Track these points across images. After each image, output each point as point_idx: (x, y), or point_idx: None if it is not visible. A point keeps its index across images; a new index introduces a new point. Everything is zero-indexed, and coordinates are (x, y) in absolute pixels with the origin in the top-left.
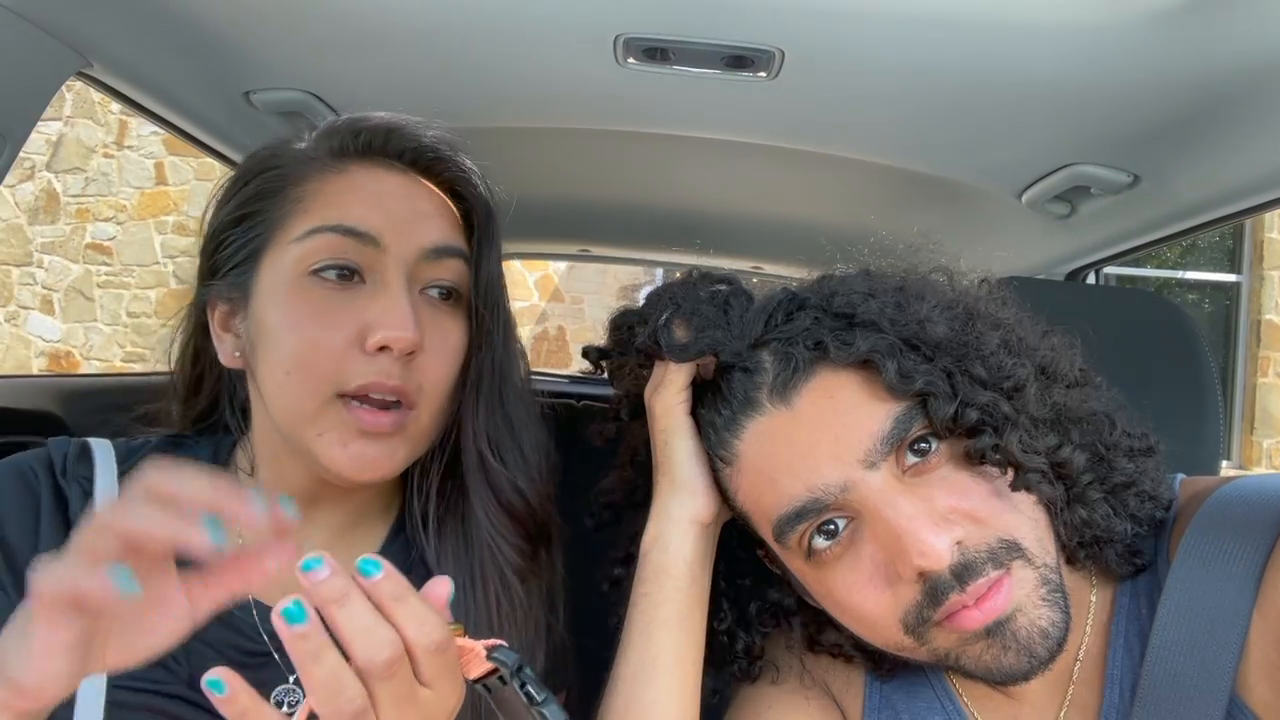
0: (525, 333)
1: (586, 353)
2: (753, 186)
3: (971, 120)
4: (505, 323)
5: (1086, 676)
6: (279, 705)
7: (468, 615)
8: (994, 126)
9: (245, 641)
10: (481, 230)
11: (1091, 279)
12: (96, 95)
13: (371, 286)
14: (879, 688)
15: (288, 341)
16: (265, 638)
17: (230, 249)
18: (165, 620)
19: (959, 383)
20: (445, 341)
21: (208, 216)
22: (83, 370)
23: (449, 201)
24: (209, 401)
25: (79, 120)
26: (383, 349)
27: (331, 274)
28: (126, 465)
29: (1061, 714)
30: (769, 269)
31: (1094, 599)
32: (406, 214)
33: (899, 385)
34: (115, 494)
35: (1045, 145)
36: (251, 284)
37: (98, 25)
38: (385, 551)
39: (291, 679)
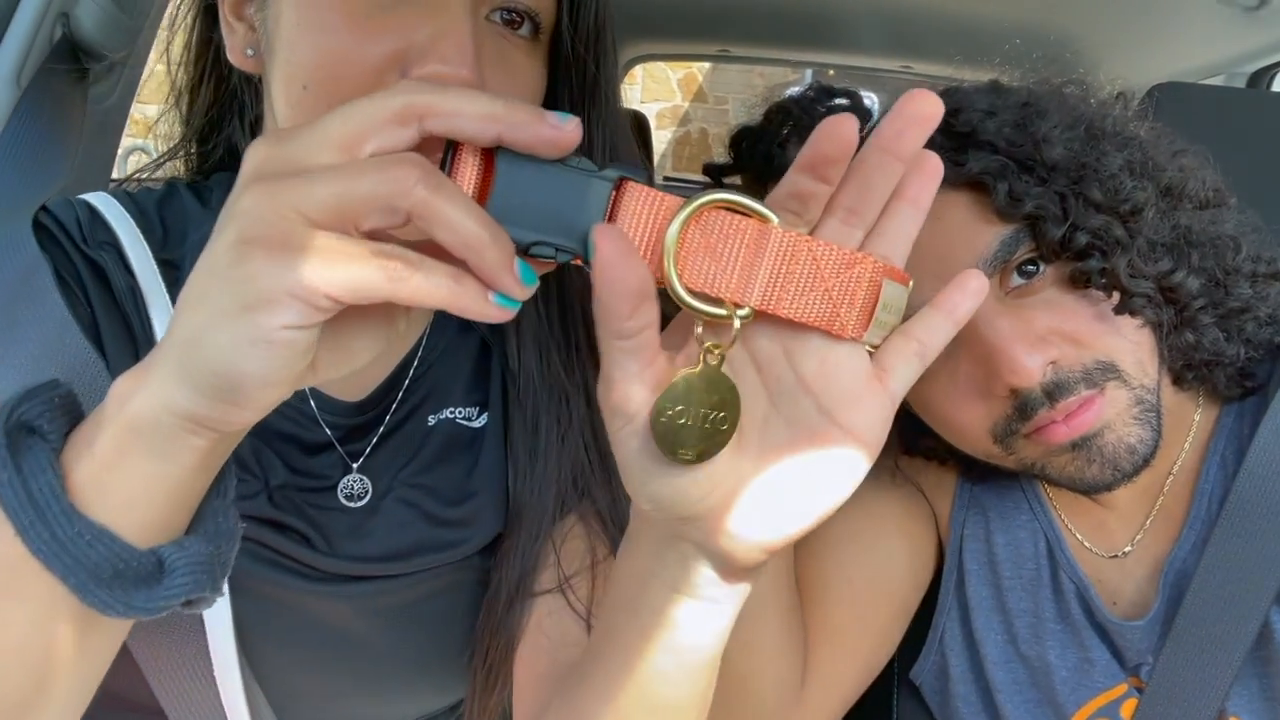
0: (665, 135)
1: (707, 169)
2: None
3: None
4: (609, 78)
5: (1178, 490)
6: (348, 498)
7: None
8: None
9: (305, 434)
10: None
11: None
12: None
13: None
14: (969, 489)
15: (311, 47)
16: (325, 429)
17: None
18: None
19: (1071, 205)
20: (513, 83)
21: None
22: None
23: None
24: (211, 119)
25: None
26: None
27: None
28: (141, 221)
29: (1148, 522)
30: (919, 68)
31: (1198, 418)
32: None
33: (1008, 208)
34: (147, 252)
35: None
36: None
37: None
38: None
39: (355, 467)
